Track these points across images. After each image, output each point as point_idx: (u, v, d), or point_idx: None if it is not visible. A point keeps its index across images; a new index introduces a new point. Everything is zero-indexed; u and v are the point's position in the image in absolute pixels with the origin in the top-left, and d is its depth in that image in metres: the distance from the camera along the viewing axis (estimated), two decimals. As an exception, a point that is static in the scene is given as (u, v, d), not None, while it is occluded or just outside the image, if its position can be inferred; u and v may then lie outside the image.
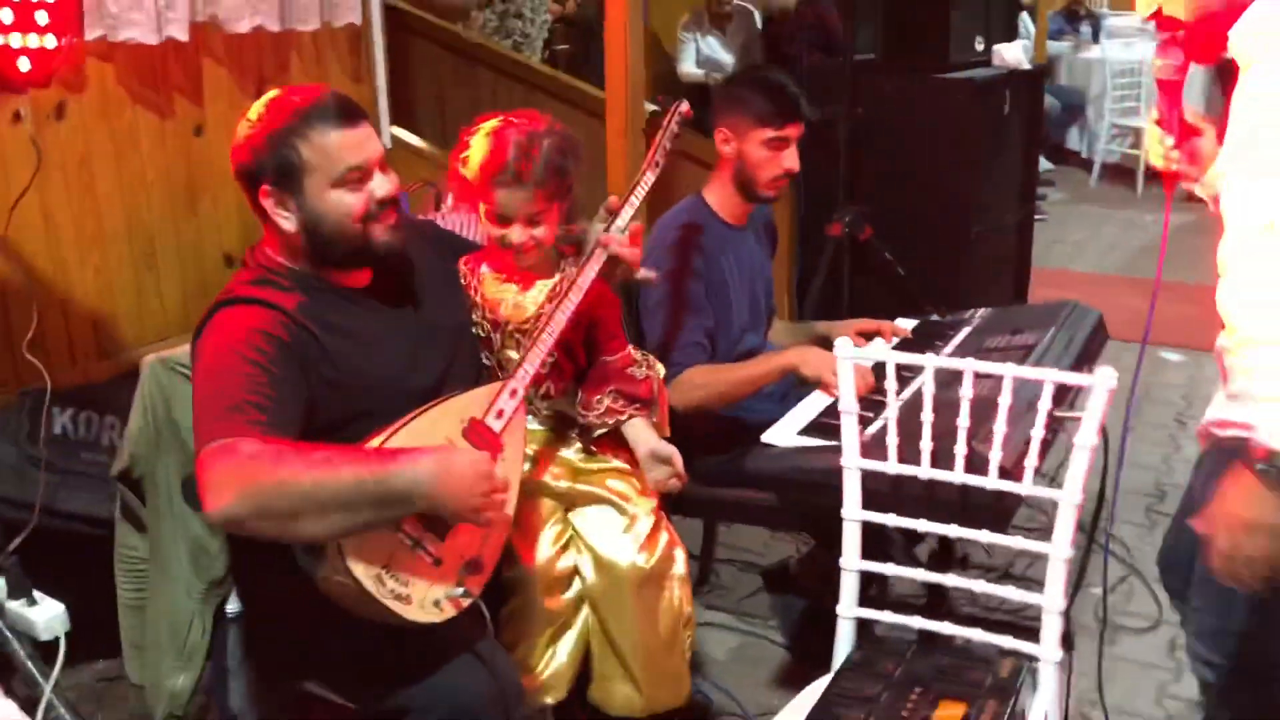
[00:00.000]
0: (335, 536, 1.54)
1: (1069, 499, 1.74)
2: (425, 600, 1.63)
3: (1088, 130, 8.17)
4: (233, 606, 1.94)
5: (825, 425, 2.12)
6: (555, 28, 5.78)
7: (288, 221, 1.71)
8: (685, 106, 2.08)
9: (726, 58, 6.21)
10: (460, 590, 1.67)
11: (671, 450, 1.98)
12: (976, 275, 4.23)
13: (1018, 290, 4.75)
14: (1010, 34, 4.42)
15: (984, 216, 4.19)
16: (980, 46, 4.20)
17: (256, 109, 1.72)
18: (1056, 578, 1.77)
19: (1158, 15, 1.72)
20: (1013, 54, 4.18)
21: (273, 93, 1.74)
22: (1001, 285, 4.61)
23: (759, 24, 6.32)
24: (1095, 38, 8.66)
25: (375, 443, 1.63)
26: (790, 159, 2.40)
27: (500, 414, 1.77)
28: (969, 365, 1.78)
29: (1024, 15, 6.35)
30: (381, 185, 1.73)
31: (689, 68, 6.21)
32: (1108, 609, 2.85)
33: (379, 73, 3.49)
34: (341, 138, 1.69)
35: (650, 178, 1.98)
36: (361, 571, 1.57)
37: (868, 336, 2.58)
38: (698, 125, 2.37)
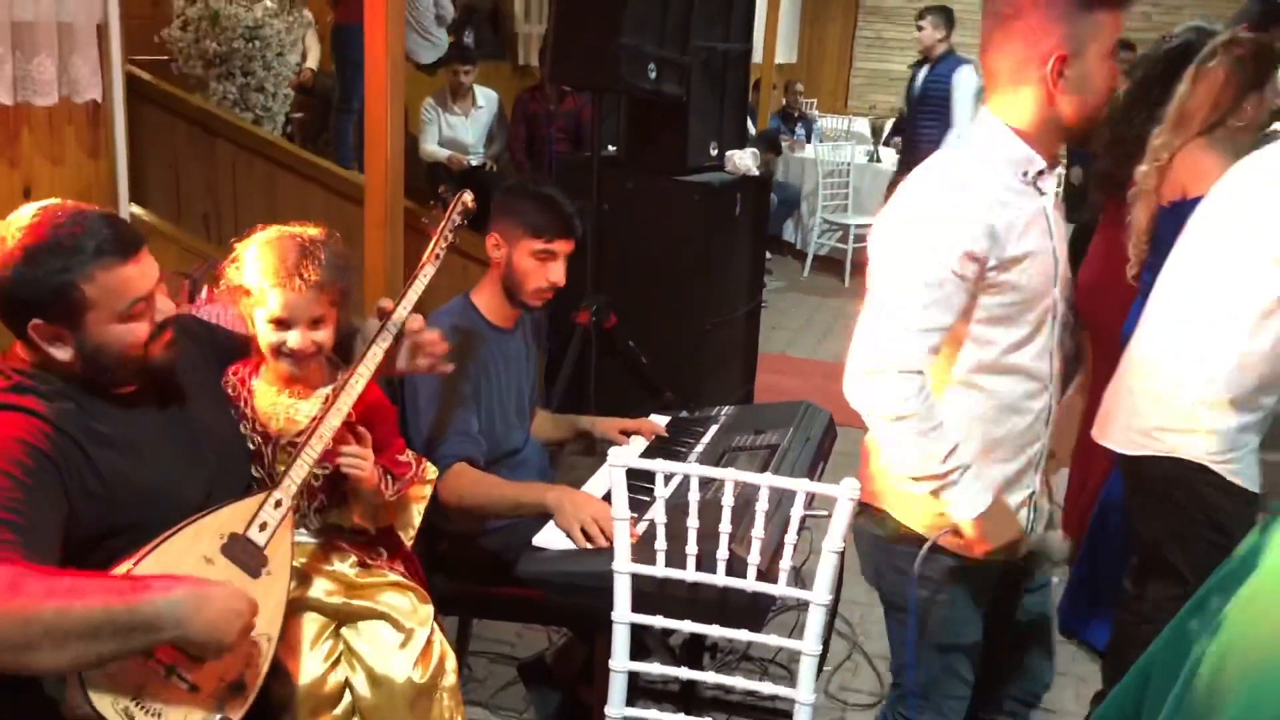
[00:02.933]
0: (75, 669, 1.46)
1: (819, 600, 1.90)
2: None
3: (801, 224, 8.82)
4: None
5: (593, 528, 2.20)
6: (291, 96, 5.67)
7: (61, 352, 1.63)
8: (469, 197, 2.09)
9: (468, 138, 6.31)
10: (218, 717, 1.61)
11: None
12: (711, 363, 4.48)
13: (746, 375, 5.04)
14: (742, 141, 4.74)
15: (717, 309, 4.45)
16: (714, 151, 4.49)
17: (12, 231, 1.59)
18: (808, 673, 1.93)
19: None
20: (744, 161, 4.50)
21: (29, 215, 1.61)
22: (732, 371, 4.89)
23: (505, 113, 6.46)
24: (808, 138, 9.40)
25: (124, 567, 1.56)
26: (556, 273, 2.44)
27: (264, 526, 1.73)
28: (730, 475, 1.92)
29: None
30: (162, 308, 1.69)
31: (431, 146, 6.26)
32: (837, 685, 3.08)
33: (119, 150, 3.31)
34: (127, 273, 1.62)
35: (430, 270, 1.99)
36: (107, 705, 1.49)
37: (627, 434, 2.70)
38: (436, 206, 2.40)
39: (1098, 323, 3.26)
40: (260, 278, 1.88)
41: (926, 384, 1.79)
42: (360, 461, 1.88)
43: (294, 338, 1.89)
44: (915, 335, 1.77)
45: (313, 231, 1.94)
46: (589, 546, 2.10)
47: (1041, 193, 1.87)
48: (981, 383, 1.87)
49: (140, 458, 1.69)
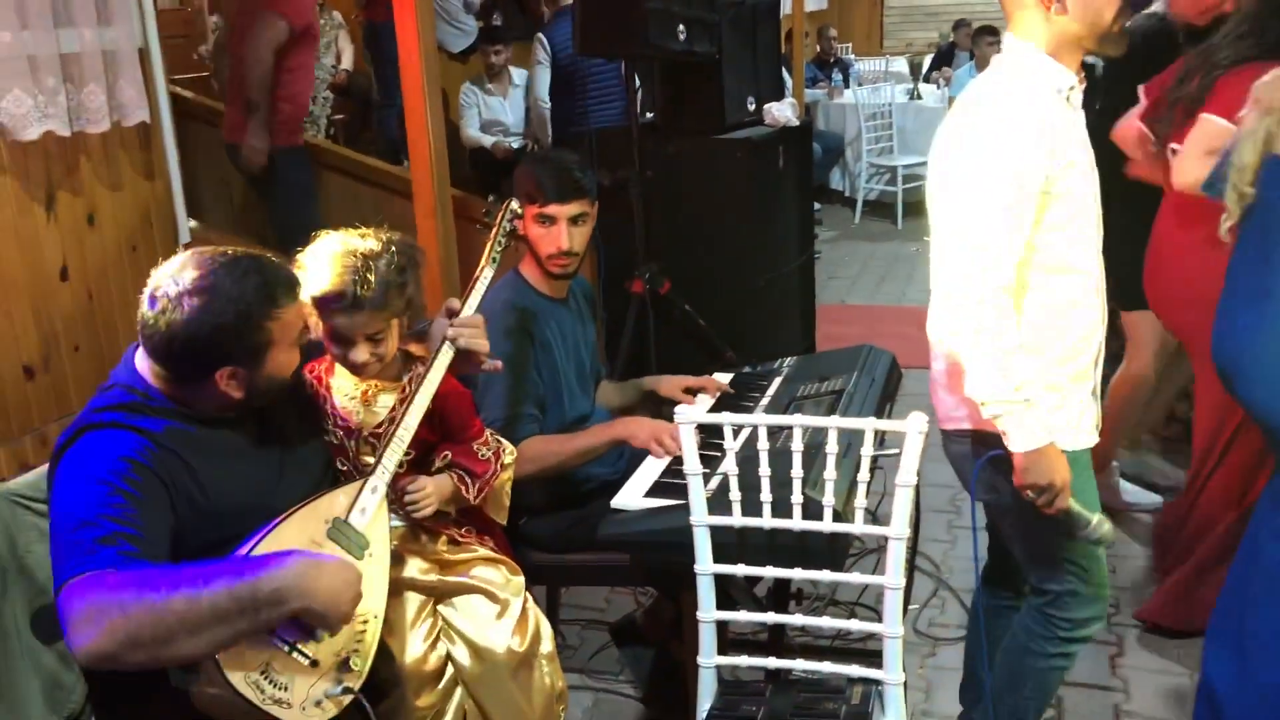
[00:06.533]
0: (212, 652, 1.55)
1: (896, 534, 1.92)
2: (306, 702, 1.66)
3: (848, 171, 8.75)
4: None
5: (668, 485, 2.25)
6: (330, 99, 5.75)
7: (236, 391, 1.73)
8: (516, 204, 2.24)
9: (508, 119, 6.34)
10: (340, 688, 1.70)
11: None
12: (768, 319, 4.49)
13: (806, 328, 5.05)
14: (778, 93, 4.72)
15: (770, 264, 4.46)
16: (752, 106, 4.48)
17: (177, 292, 1.65)
18: (893, 606, 1.95)
19: None
20: (783, 112, 4.48)
21: (191, 275, 1.66)
22: (791, 325, 4.90)
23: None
24: (846, 83, 9.30)
25: (241, 551, 1.66)
26: (562, 238, 2.42)
27: (364, 511, 1.83)
28: (797, 421, 1.94)
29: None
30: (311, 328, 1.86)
31: (472, 131, 6.30)
32: (926, 622, 3.10)
33: (173, 169, 3.41)
34: (298, 304, 1.76)
35: (489, 273, 2.10)
36: (239, 680, 1.58)
37: (692, 392, 2.73)
38: (490, 204, 2.48)
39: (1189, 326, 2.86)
40: (316, 301, 1.91)
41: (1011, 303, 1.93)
42: (421, 501, 1.99)
43: (356, 353, 1.95)
44: (1004, 254, 1.91)
45: (369, 244, 1.94)
46: (667, 458, 2.33)
47: (1074, 108, 2.00)
48: (1052, 284, 2.00)
49: (239, 473, 1.78)
